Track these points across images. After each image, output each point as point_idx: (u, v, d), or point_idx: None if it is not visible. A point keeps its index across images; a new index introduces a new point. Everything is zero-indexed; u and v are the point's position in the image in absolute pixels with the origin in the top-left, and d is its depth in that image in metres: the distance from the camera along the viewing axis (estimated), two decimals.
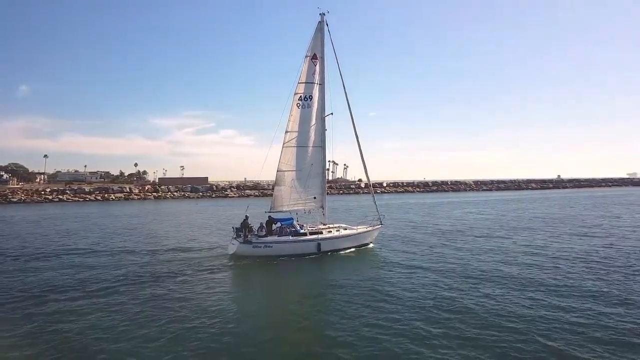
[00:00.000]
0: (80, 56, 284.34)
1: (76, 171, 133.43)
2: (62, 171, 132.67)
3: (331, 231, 23.66)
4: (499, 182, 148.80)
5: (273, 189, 25.05)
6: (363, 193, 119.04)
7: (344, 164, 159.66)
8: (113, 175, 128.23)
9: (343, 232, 23.79)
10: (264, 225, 23.01)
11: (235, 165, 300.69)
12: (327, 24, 24.17)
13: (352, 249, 23.76)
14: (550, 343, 10.62)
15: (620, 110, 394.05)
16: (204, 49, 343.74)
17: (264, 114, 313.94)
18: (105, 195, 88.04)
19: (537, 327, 11.66)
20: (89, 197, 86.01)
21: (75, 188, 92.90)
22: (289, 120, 23.72)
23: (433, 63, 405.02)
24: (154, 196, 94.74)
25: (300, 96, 23.85)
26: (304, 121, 23.95)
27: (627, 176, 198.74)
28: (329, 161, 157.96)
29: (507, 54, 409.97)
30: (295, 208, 24.18)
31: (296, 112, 23.80)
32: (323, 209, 24.88)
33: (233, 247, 22.30)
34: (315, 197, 24.54)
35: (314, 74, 24.03)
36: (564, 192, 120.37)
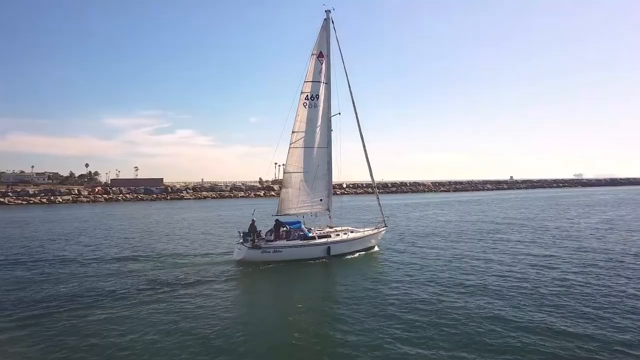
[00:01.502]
0: (29, 52, 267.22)
1: (22, 172, 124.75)
2: (7, 172, 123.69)
3: (339, 234, 23.71)
4: (456, 183, 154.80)
5: (280, 190, 24.82)
6: None
7: None
8: (62, 176, 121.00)
9: (352, 235, 23.88)
10: (273, 229, 22.75)
11: (193, 166, 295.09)
12: (332, 21, 24.29)
13: (360, 252, 23.93)
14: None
15: (567, 116, 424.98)
16: (162, 46, 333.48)
17: (225, 113, 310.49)
18: (52, 198, 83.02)
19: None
20: (33, 199, 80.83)
21: (19, 190, 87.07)
22: (295, 121, 23.51)
23: (382, 64, 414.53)
24: (105, 198, 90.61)
25: (307, 95, 23.71)
26: (311, 121, 23.82)
27: (574, 177, 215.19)
28: (275, 163, 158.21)
29: (468, 53, 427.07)
30: (302, 211, 23.99)
31: (303, 111, 23.64)
32: (329, 211, 24.90)
33: (240, 252, 21.81)
34: (321, 200, 24.49)
35: (320, 72, 23.95)
36: (518, 192, 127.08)
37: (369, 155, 25.39)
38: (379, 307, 14.36)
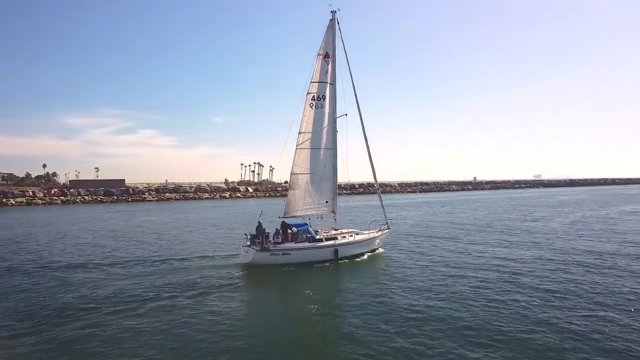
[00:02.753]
0: None
1: None
2: None
3: (345, 236, 24.10)
4: (422, 183, 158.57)
5: (287, 192, 24.88)
6: None
7: (270, 166, 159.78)
8: (18, 177, 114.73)
9: (358, 237, 24.30)
10: (280, 231, 22.88)
11: (156, 167, 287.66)
12: (338, 22, 24.69)
13: (366, 254, 24.41)
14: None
15: (527, 122, 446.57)
16: (126, 44, 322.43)
17: (189, 113, 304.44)
18: (4, 200, 78.82)
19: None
20: None
21: None
22: (302, 121, 23.76)
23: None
24: (62, 200, 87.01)
25: (314, 96, 24.00)
26: (318, 122, 24.13)
27: (534, 178, 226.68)
28: (254, 163, 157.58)
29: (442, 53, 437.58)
30: (309, 213, 24.25)
31: (309, 112, 23.91)
32: (334, 213, 25.28)
33: (248, 255, 21.79)
34: (327, 202, 24.83)
35: (326, 73, 24.29)
36: (484, 193, 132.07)
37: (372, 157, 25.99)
38: (392, 312, 14.46)
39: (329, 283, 20.02)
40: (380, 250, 25.64)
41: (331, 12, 24.53)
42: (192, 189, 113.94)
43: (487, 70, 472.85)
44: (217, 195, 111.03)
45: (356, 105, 25.15)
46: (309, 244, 22.55)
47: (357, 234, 24.69)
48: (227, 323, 13.64)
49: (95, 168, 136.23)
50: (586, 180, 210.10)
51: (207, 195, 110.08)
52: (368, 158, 25.81)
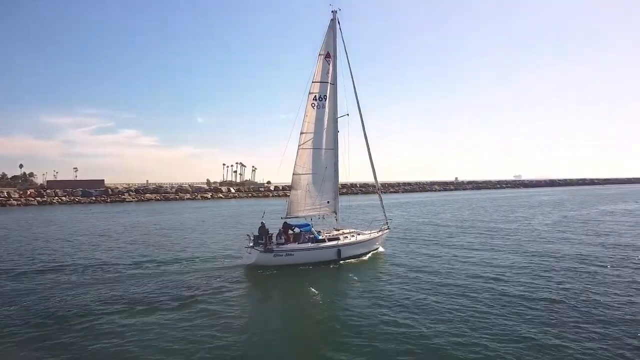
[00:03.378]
0: None
1: None
2: None
3: (347, 236, 24.29)
4: (405, 184, 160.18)
5: (290, 192, 24.83)
6: (273, 196, 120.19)
7: (252, 166, 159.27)
8: None
9: (360, 238, 24.54)
10: (282, 231, 22.94)
11: (137, 168, 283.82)
12: (338, 22, 24.87)
13: (367, 255, 24.68)
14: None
15: (507, 122, 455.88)
16: (105, 42, 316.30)
17: (171, 112, 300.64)
18: None
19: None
20: None
21: None
22: (304, 121, 23.86)
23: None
24: (38, 201, 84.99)
25: (315, 96, 24.13)
26: (319, 122, 24.27)
27: (514, 178, 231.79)
28: (237, 163, 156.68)
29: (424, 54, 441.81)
30: (311, 213, 24.39)
31: (311, 112, 24.03)
32: (336, 213, 25.48)
33: (251, 256, 21.77)
34: (328, 202, 25.00)
35: (327, 73, 24.44)
36: (466, 193, 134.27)
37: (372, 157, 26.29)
38: (399, 313, 14.59)
39: (335, 284, 20.09)
40: (381, 250, 25.93)
41: (332, 12, 24.71)
42: (173, 190, 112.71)
43: (476, 72, 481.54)
44: (199, 196, 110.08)
45: (357, 105, 25.39)
46: (312, 245, 22.67)
47: (359, 234, 24.91)
48: (232, 325, 13.69)
49: (74, 168, 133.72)
50: (565, 180, 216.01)
51: (188, 195, 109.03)
52: (368, 158, 26.13)
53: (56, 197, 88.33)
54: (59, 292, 17.68)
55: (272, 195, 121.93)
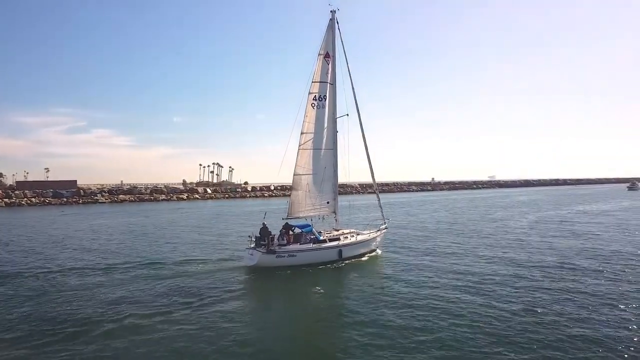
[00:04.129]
0: None
1: None
2: None
3: (347, 237, 24.53)
4: (382, 184, 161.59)
5: (290, 193, 24.87)
6: (250, 197, 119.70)
7: (229, 167, 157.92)
8: None
9: (360, 238, 24.82)
10: (284, 232, 23.01)
11: (111, 168, 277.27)
12: (337, 22, 25.09)
13: (367, 255, 25.01)
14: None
15: (482, 125, 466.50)
16: (79, 39, 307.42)
17: (147, 112, 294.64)
18: None
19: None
20: None
21: None
22: (304, 122, 23.95)
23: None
24: (6, 203, 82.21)
25: (315, 96, 24.26)
26: (319, 122, 24.42)
27: (488, 178, 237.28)
28: (213, 163, 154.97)
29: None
30: (311, 214, 24.53)
31: (311, 112, 24.16)
32: (335, 214, 25.69)
33: (253, 258, 21.76)
34: (328, 202, 25.18)
35: (327, 73, 24.60)
36: (443, 193, 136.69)
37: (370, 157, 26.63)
38: (404, 311, 14.81)
39: (337, 284, 20.24)
40: (379, 250, 26.31)
41: (331, 11, 24.90)
42: (148, 191, 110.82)
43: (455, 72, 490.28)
44: (174, 197, 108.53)
45: (355, 106, 25.64)
46: (315, 246, 22.82)
47: (358, 234, 25.22)
48: (234, 326, 13.73)
49: (45, 169, 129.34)
50: (539, 180, 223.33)
51: (163, 196, 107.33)
52: (367, 158, 26.38)
53: (25, 199, 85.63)
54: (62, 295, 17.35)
55: (250, 196, 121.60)
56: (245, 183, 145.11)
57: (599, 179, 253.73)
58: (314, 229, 23.64)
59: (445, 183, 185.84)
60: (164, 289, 18.21)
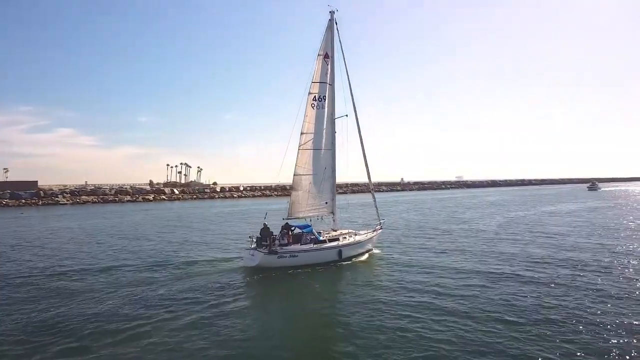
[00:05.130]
0: None
1: None
2: None
3: (345, 237, 24.89)
4: (353, 184, 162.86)
5: (290, 193, 25.08)
6: (219, 197, 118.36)
7: (198, 167, 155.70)
8: None
9: (359, 238, 25.27)
10: (285, 233, 23.07)
11: (75, 168, 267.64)
12: (336, 23, 25.39)
13: (364, 255, 25.45)
14: None
15: (450, 124, 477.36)
16: (41, 35, 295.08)
17: (111, 111, 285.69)
18: None
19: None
20: None
21: None
22: (304, 122, 24.20)
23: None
24: None
25: (315, 96, 24.54)
26: (319, 122, 24.73)
27: (456, 179, 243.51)
28: (181, 163, 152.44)
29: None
30: (311, 214, 24.80)
31: (311, 112, 24.41)
32: (333, 214, 25.96)
33: (254, 258, 21.77)
34: (326, 203, 25.47)
35: (326, 73, 24.94)
36: (414, 193, 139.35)
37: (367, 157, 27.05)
38: (404, 310, 15.09)
39: (339, 284, 20.40)
40: (375, 249, 26.82)
41: (330, 12, 25.24)
42: (112, 192, 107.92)
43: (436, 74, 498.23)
44: (140, 198, 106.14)
45: (352, 106, 26.09)
46: (316, 246, 23.06)
47: (356, 234, 25.64)
48: (236, 327, 13.74)
49: (5, 169, 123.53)
50: (506, 181, 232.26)
51: (128, 197, 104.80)
52: (363, 158, 26.81)
53: None
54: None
55: (219, 197, 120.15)
56: (214, 183, 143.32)
57: (562, 179, 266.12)
58: (313, 229, 23.82)
59: (415, 183, 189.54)
60: (160, 290, 18.08)
